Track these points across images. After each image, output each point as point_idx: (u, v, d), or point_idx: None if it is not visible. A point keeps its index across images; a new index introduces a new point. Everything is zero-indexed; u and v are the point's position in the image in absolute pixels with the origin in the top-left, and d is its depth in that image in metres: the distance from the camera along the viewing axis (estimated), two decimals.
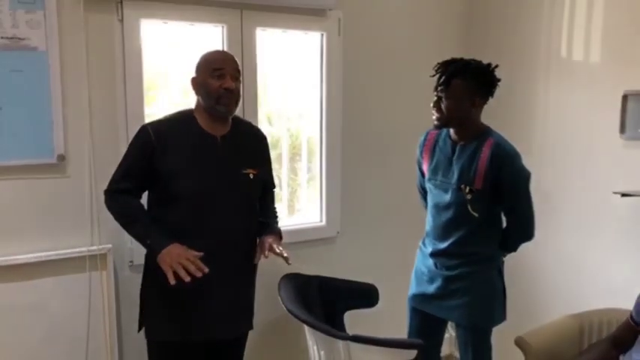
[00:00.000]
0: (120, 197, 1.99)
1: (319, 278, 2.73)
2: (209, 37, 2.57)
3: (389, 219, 3.17)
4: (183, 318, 2.01)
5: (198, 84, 2.00)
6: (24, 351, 2.24)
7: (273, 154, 2.89)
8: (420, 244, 2.39)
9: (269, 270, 2.64)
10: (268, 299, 2.53)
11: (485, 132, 2.15)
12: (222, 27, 2.56)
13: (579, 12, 2.73)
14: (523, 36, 2.99)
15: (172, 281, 1.81)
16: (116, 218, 2.00)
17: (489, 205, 2.14)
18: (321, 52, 2.86)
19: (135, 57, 2.36)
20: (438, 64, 2.13)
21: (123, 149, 2.34)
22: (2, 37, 2.10)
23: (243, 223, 2.07)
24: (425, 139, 2.31)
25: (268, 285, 2.57)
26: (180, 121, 2.02)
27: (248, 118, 2.65)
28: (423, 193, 2.40)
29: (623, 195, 2.43)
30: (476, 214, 2.12)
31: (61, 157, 2.25)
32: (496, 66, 2.12)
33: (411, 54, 3.12)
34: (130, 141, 2.05)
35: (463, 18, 3.29)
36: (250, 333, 2.20)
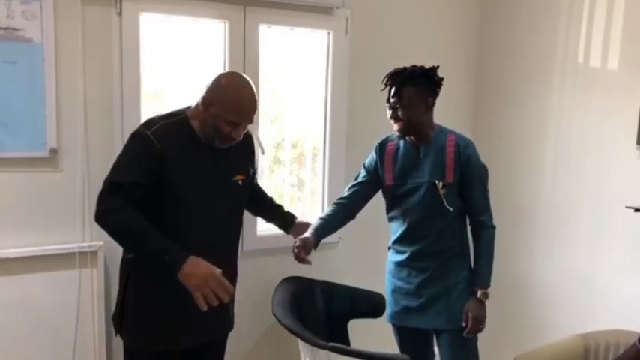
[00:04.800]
0: (129, 212, 1.76)
1: (323, 283, 2.67)
2: (211, 33, 2.52)
3: None
4: (174, 326, 1.93)
5: (210, 113, 1.85)
6: (11, 346, 2.21)
7: (277, 155, 2.86)
8: (388, 262, 2.34)
9: (271, 272, 2.60)
10: (268, 301, 2.47)
11: (442, 130, 2.23)
12: (225, 23, 2.50)
13: (598, 17, 2.60)
14: (538, 41, 2.87)
15: (204, 307, 1.72)
16: (123, 237, 1.81)
17: (458, 200, 2.21)
18: (327, 52, 2.79)
19: (133, 51, 2.32)
20: (385, 77, 2.18)
21: (118, 145, 2.32)
22: None
23: (233, 231, 2.04)
24: (384, 149, 2.29)
25: (269, 287, 2.53)
26: (178, 127, 1.88)
27: None
28: (352, 187, 2.37)
29: (637, 210, 2.30)
30: (450, 209, 2.16)
31: (54, 151, 2.22)
32: (438, 66, 2.16)
33: (420, 56, 2.99)
34: (127, 144, 1.86)
35: (475, 19, 3.17)
36: (248, 334, 2.13)
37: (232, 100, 1.84)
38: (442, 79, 2.17)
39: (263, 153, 2.64)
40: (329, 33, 2.76)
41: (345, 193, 2.38)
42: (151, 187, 1.81)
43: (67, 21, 2.19)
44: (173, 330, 1.94)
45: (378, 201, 3.02)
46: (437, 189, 2.15)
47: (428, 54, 3.02)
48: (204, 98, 1.87)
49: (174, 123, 1.89)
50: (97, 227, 2.28)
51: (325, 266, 2.86)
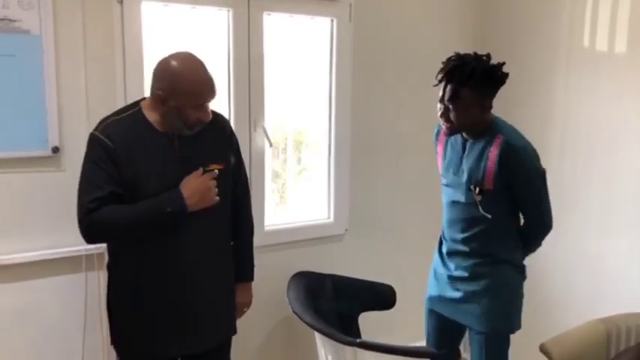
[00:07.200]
0: (104, 209, 1.72)
1: (333, 277, 2.63)
2: (213, 22, 2.42)
3: (400, 217, 3.05)
4: (150, 334, 1.87)
5: (169, 106, 1.73)
6: (18, 353, 2.13)
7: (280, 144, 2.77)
8: (438, 243, 2.28)
9: (279, 267, 2.54)
10: (278, 297, 2.44)
11: (495, 126, 2.01)
12: (228, 11, 2.40)
13: (604, 0, 2.59)
14: (542, 24, 2.86)
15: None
16: (116, 230, 1.76)
17: (503, 205, 2.03)
18: (330, 40, 2.72)
19: (135, 42, 2.20)
20: (441, 71, 1.95)
21: None
22: None
23: (214, 223, 1.90)
24: (438, 133, 2.20)
25: (278, 282, 2.49)
26: (130, 121, 1.79)
27: (254, 108, 2.52)
28: None
29: None
30: (489, 216, 2.01)
31: (56, 149, 2.10)
32: (503, 63, 1.95)
33: (425, 42, 2.99)
34: (85, 151, 1.80)
35: (478, 4, 3.15)
36: (259, 332, 2.08)
37: (191, 87, 1.72)
38: (507, 74, 1.93)
39: (271, 145, 2.57)
40: (332, 20, 2.69)
41: None
42: (118, 180, 1.74)
43: (67, 11, 2.06)
44: (149, 339, 1.87)
45: (383, 192, 3.00)
46: (473, 193, 2.01)
47: (431, 40, 3.00)
48: (158, 95, 1.73)
49: (126, 117, 1.80)
50: None
51: (332, 259, 2.82)
